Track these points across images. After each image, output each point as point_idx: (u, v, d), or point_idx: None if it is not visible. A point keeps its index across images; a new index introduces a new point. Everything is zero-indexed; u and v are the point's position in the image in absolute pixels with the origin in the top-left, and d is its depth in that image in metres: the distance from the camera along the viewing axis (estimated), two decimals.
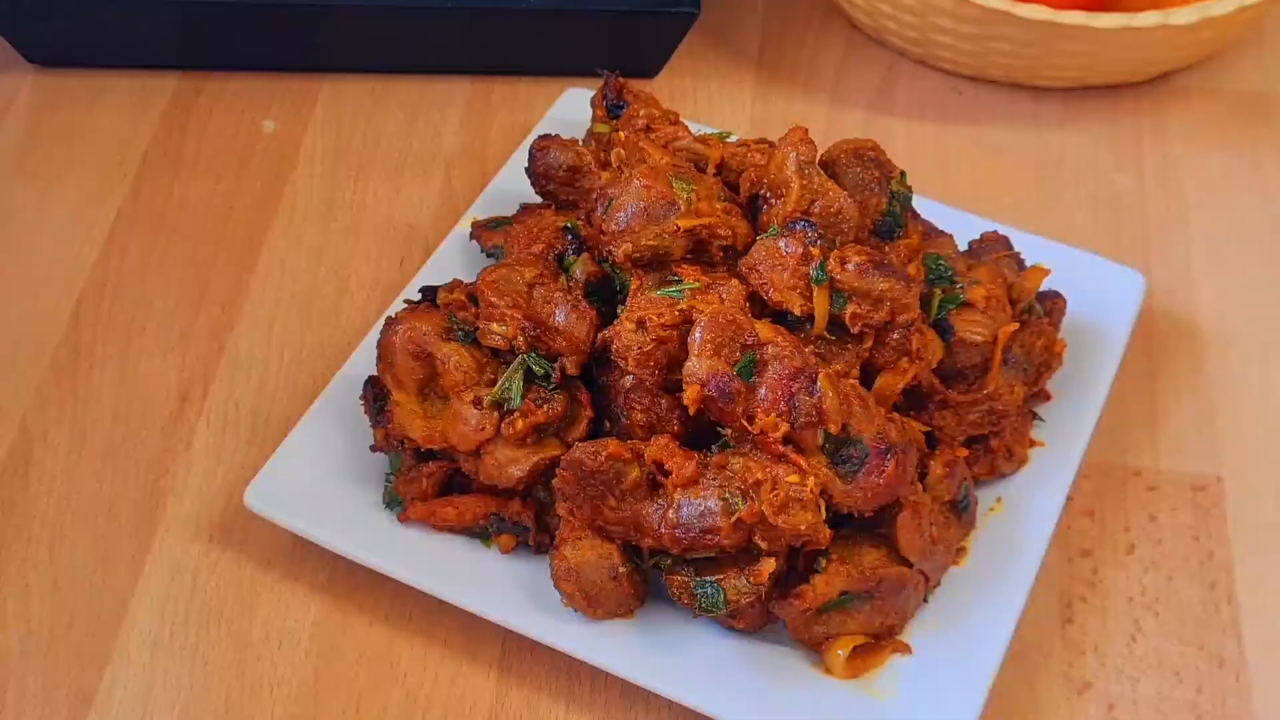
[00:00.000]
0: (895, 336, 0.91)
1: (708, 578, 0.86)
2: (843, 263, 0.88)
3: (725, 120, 1.28)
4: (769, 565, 0.85)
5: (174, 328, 1.11)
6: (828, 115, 1.29)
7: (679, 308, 0.87)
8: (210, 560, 0.97)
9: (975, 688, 0.86)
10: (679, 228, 0.91)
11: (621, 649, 0.88)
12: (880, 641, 0.89)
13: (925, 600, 0.91)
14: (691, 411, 0.86)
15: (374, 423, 0.96)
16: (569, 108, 1.20)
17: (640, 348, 0.86)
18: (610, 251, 0.92)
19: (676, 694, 0.86)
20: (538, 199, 1.08)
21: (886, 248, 0.91)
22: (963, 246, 1.06)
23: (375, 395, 0.96)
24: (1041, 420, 1.00)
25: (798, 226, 0.90)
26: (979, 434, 0.97)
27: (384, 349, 0.95)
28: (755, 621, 0.89)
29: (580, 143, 1.06)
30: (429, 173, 1.23)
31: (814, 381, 0.85)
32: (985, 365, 0.96)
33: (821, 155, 0.97)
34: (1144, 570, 0.98)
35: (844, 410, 0.85)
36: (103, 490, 1.01)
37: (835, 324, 0.90)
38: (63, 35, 1.27)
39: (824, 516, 0.84)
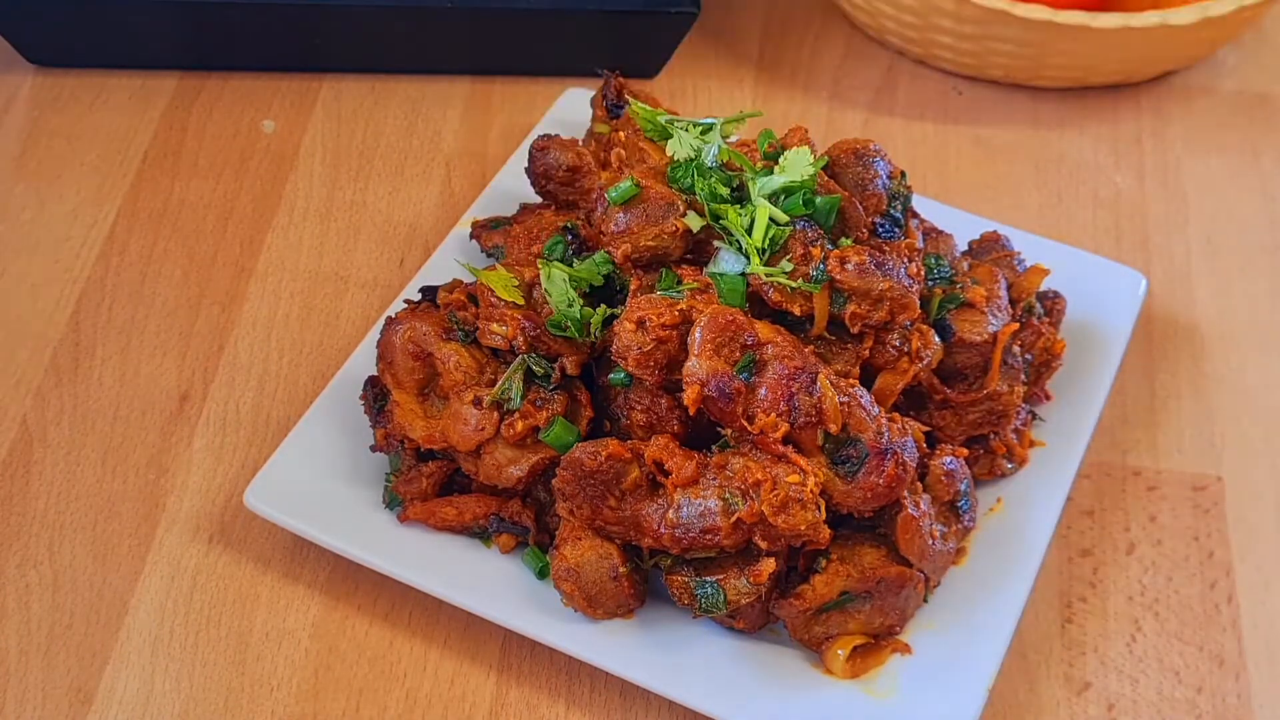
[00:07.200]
0: (895, 337, 0.91)
1: (708, 578, 0.86)
2: (843, 263, 0.88)
3: None
4: (769, 565, 0.85)
5: (174, 328, 1.11)
6: (828, 115, 1.29)
7: (679, 308, 0.87)
8: (210, 560, 0.97)
9: (975, 688, 0.86)
10: (678, 228, 0.91)
11: (621, 649, 0.88)
12: (880, 641, 0.89)
13: (925, 600, 0.91)
14: (691, 411, 0.86)
15: (374, 423, 0.96)
16: (569, 108, 1.20)
17: (640, 348, 0.86)
18: (610, 252, 0.92)
19: (676, 694, 0.86)
20: (538, 199, 1.08)
21: (886, 248, 0.91)
22: (963, 246, 1.06)
23: (375, 395, 0.96)
24: (1041, 420, 1.00)
25: (798, 226, 0.90)
26: (979, 434, 0.97)
27: (384, 349, 0.95)
28: (755, 621, 0.89)
29: (580, 143, 1.06)
30: (429, 173, 1.23)
31: (814, 381, 0.85)
32: (985, 365, 0.96)
33: (821, 155, 0.97)
34: (1144, 570, 0.98)
35: (844, 410, 0.85)
36: (103, 490, 1.01)
37: (835, 324, 0.90)
38: (63, 35, 1.27)
39: (824, 516, 0.84)
